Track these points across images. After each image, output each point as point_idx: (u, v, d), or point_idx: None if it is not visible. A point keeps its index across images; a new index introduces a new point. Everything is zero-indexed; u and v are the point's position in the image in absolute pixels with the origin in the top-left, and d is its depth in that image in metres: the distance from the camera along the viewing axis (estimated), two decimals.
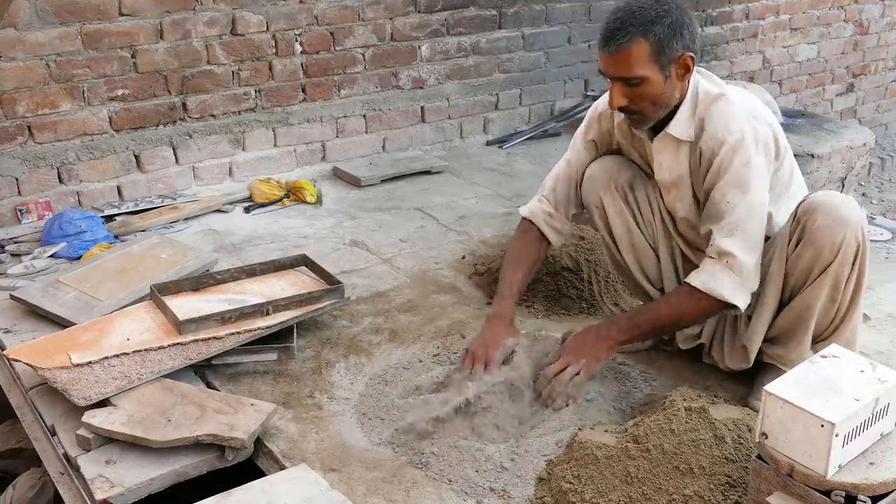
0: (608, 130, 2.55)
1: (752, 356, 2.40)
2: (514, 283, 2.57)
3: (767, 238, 2.36)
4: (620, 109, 2.29)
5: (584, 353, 2.33)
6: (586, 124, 2.61)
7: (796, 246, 2.24)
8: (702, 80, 2.33)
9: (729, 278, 2.24)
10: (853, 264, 2.22)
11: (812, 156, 4.59)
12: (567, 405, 2.29)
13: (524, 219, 2.68)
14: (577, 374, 2.30)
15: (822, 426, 1.69)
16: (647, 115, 2.29)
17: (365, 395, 2.46)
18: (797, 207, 2.25)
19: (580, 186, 2.60)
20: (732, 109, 2.26)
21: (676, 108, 2.31)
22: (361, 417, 2.37)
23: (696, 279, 2.27)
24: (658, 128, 2.36)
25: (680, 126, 2.31)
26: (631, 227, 2.52)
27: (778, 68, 6.24)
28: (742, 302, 2.26)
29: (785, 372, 2.13)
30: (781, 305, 2.34)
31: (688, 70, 2.25)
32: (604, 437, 2.11)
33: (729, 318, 2.49)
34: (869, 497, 1.71)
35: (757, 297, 2.35)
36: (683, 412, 2.06)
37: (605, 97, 2.46)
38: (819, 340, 2.34)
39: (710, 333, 2.54)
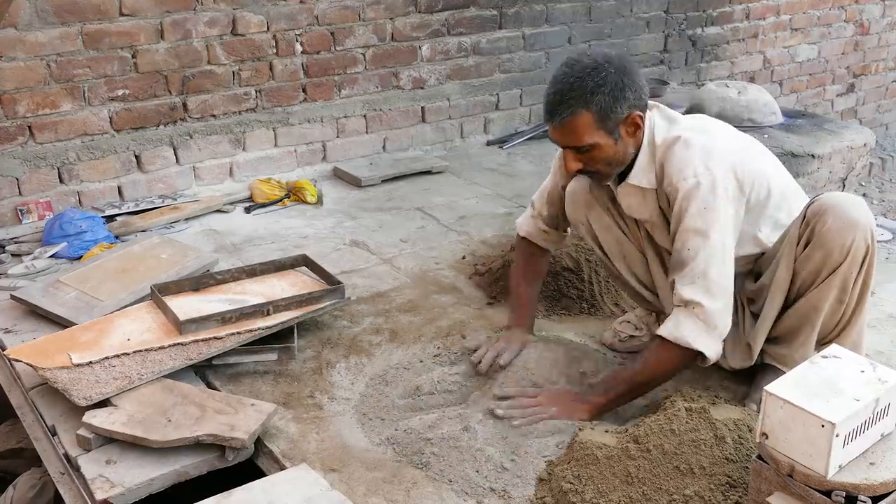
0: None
1: (756, 353, 2.40)
2: (528, 298, 2.65)
3: (762, 254, 2.38)
4: (578, 172, 2.30)
5: (560, 407, 2.32)
6: (560, 153, 2.57)
7: (805, 247, 2.23)
8: (658, 123, 2.30)
9: (694, 324, 2.20)
10: (861, 266, 2.22)
11: (812, 156, 4.59)
12: (514, 425, 2.28)
13: (523, 238, 2.71)
14: (543, 415, 2.29)
15: (823, 426, 1.69)
16: (604, 174, 2.30)
17: (365, 395, 2.46)
18: (806, 209, 2.24)
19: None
20: (687, 154, 2.22)
21: (636, 159, 2.30)
22: (362, 418, 2.37)
23: (663, 329, 2.24)
24: (621, 176, 2.35)
25: (639, 175, 2.31)
26: (619, 238, 2.51)
27: (778, 68, 6.24)
28: (709, 349, 2.22)
29: (784, 373, 2.14)
30: (787, 306, 2.34)
31: (637, 127, 2.24)
32: (604, 438, 2.11)
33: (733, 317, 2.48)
34: (869, 497, 1.71)
35: (763, 297, 2.35)
36: (684, 412, 2.06)
37: None
38: (824, 342, 2.33)
39: None
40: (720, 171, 2.20)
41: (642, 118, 2.23)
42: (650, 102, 2.30)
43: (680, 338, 2.20)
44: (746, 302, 2.45)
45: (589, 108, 2.16)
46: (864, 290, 2.28)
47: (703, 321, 2.20)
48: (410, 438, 2.24)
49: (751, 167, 2.28)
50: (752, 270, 2.43)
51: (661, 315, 2.65)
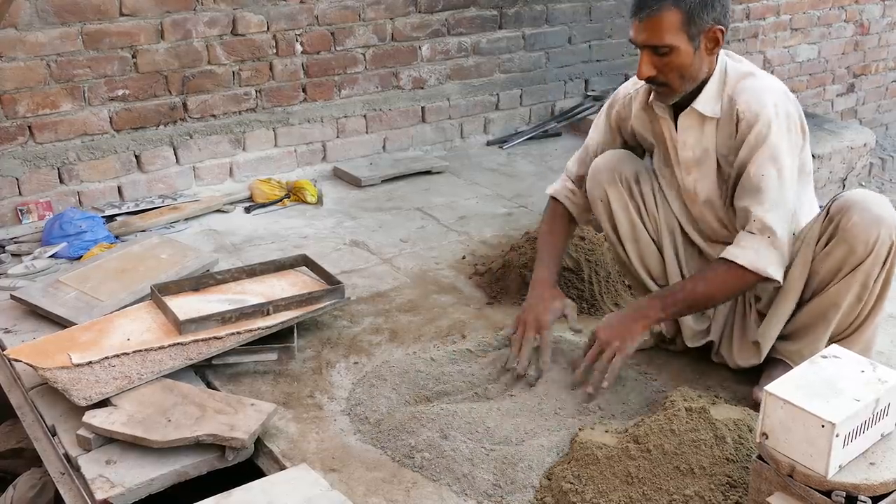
0: (626, 116, 2.55)
1: (765, 352, 2.40)
2: (553, 250, 2.63)
3: None
4: (648, 80, 2.28)
5: (617, 334, 2.32)
6: (607, 106, 2.63)
7: (826, 244, 2.24)
8: (729, 62, 2.34)
9: (773, 254, 2.24)
10: (884, 263, 2.22)
11: (813, 156, 4.58)
12: (605, 387, 2.30)
13: (550, 197, 2.73)
14: (613, 356, 2.30)
15: (823, 426, 1.69)
16: (674, 87, 2.28)
17: (363, 394, 2.46)
18: (829, 205, 2.25)
19: None
20: (765, 85, 2.27)
21: (703, 84, 2.31)
22: (361, 419, 2.36)
23: (741, 257, 2.24)
24: (681, 106, 2.35)
25: (707, 102, 2.31)
26: (635, 221, 2.51)
27: (778, 68, 6.24)
28: (782, 276, 2.27)
29: (792, 367, 2.14)
30: (798, 304, 2.34)
31: (717, 43, 2.25)
32: (604, 438, 2.11)
33: (738, 315, 2.48)
34: (869, 497, 1.71)
35: (772, 295, 2.36)
36: (684, 412, 2.06)
37: (629, 83, 2.49)
38: (839, 339, 2.32)
39: (719, 331, 2.54)
40: (791, 109, 2.26)
41: (723, 34, 2.24)
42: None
43: (761, 267, 2.23)
44: (753, 300, 2.45)
45: (679, 6, 2.17)
46: (885, 289, 2.28)
47: (779, 249, 2.24)
48: (408, 438, 2.23)
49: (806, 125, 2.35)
50: None
51: None
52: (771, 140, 2.22)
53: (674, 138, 2.41)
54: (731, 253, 2.26)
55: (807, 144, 2.36)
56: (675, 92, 2.30)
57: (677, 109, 2.38)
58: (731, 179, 2.34)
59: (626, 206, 2.51)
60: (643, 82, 2.36)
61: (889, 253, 2.20)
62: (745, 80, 2.28)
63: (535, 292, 2.55)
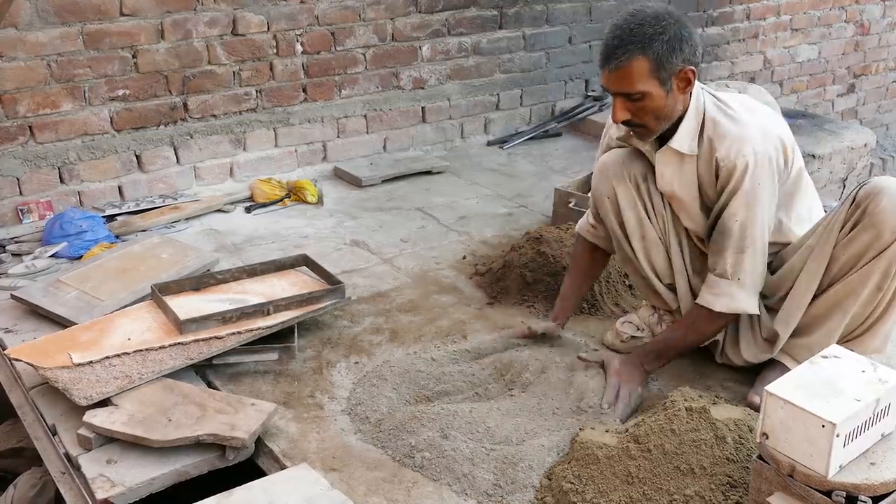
0: (623, 136, 2.56)
1: (782, 343, 2.41)
2: (568, 288, 2.73)
3: (785, 246, 2.43)
4: (624, 123, 2.31)
5: (623, 377, 2.45)
6: (603, 133, 2.65)
7: (851, 230, 2.25)
8: (707, 99, 2.34)
9: (745, 293, 2.34)
10: None
11: (813, 156, 4.59)
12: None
13: (577, 233, 2.78)
14: (625, 397, 2.43)
15: (823, 426, 1.69)
16: (651, 128, 2.31)
17: (366, 395, 2.46)
18: (855, 192, 2.26)
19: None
20: (742, 130, 2.27)
21: (681, 121, 2.32)
22: (361, 419, 2.36)
23: (717, 303, 2.35)
24: (663, 139, 2.37)
25: (682, 140, 2.33)
26: (642, 217, 2.51)
27: (779, 69, 6.24)
28: (755, 308, 2.38)
29: (789, 369, 2.14)
30: (814, 297, 2.35)
31: (689, 83, 2.26)
32: (605, 438, 2.12)
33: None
34: (870, 497, 1.71)
35: (784, 289, 2.39)
36: (684, 412, 2.06)
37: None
38: (853, 336, 2.37)
39: (724, 331, 2.54)
40: (773, 149, 2.28)
41: (695, 74, 2.25)
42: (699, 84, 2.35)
43: (736, 308, 2.36)
44: (760, 297, 2.45)
45: (646, 54, 2.18)
46: None
47: (749, 288, 2.34)
48: (409, 438, 2.23)
49: (793, 146, 2.38)
50: (769, 264, 2.43)
51: (663, 315, 2.66)
52: (746, 188, 2.25)
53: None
54: (706, 300, 2.38)
55: (794, 164, 2.38)
56: (651, 132, 2.33)
57: (658, 142, 2.40)
58: (713, 217, 2.37)
59: (633, 202, 2.51)
60: None
61: None
62: (723, 125, 2.28)
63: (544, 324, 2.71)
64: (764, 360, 2.46)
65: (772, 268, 2.44)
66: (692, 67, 2.23)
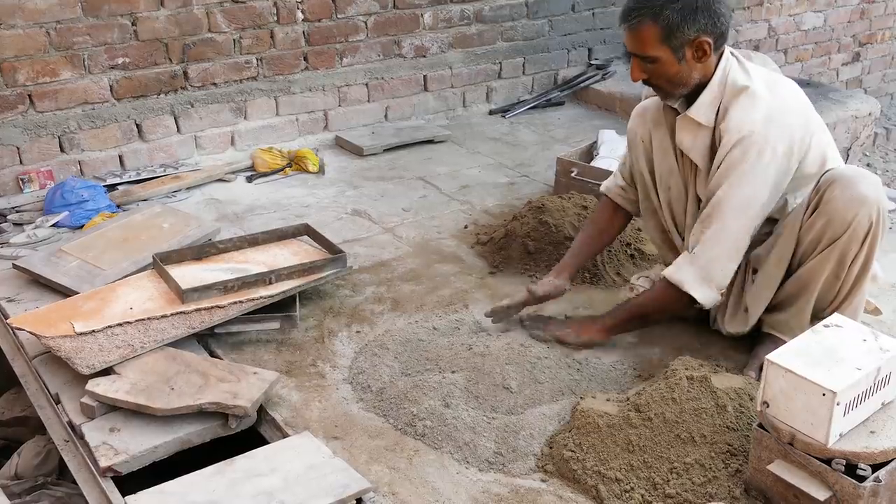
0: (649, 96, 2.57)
1: (753, 320, 2.41)
2: (581, 240, 2.71)
3: (776, 220, 2.38)
4: (644, 82, 2.32)
5: (577, 327, 2.55)
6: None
7: (812, 214, 2.24)
8: (735, 67, 2.31)
9: (694, 271, 2.30)
10: (863, 243, 2.21)
11: None
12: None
13: (602, 194, 2.75)
14: (566, 332, 2.54)
15: (824, 395, 1.69)
16: (667, 91, 2.32)
17: (367, 364, 2.47)
18: (820, 177, 2.25)
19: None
20: (752, 107, 2.24)
21: (703, 89, 2.30)
22: (362, 387, 2.37)
23: (667, 269, 2.36)
24: (689, 102, 2.36)
25: (700, 110, 2.32)
26: (672, 166, 2.49)
27: (783, 37, 6.18)
28: (701, 296, 2.31)
29: (783, 341, 2.14)
30: (789, 274, 2.33)
31: (705, 53, 2.24)
32: (605, 406, 2.12)
33: (737, 285, 2.48)
34: (869, 465, 1.72)
35: (762, 261, 2.35)
36: (685, 381, 2.07)
37: None
38: (821, 316, 2.32)
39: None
40: (774, 136, 2.23)
41: (710, 45, 2.23)
42: (734, 51, 2.33)
43: (679, 281, 2.32)
44: (751, 271, 2.45)
45: (656, 21, 2.19)
46: (864, 269, 2.27)
47: (703, 268, 2.29)
48: (410, 406, 2.24)
49: (809, 139, 2.30)
50: (766, 240, 2.42)
51: None
52: (732, 163, 2.23)
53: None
54: (666, 269, 2.38)
55: (810, 153, 2.31)
56: (669, 94, 2.34)
57: (687, 103, 2.38)
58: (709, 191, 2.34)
59: (667, 149, 2.48)
60: None
61: (867, 234, 2.20)
62: (738, 97, 2.26)
63: (544, 279, 2.67)
64: (743, 333, 2.46)
65: (765, 244, 2.43)
66: (708, 39, 2.21)
